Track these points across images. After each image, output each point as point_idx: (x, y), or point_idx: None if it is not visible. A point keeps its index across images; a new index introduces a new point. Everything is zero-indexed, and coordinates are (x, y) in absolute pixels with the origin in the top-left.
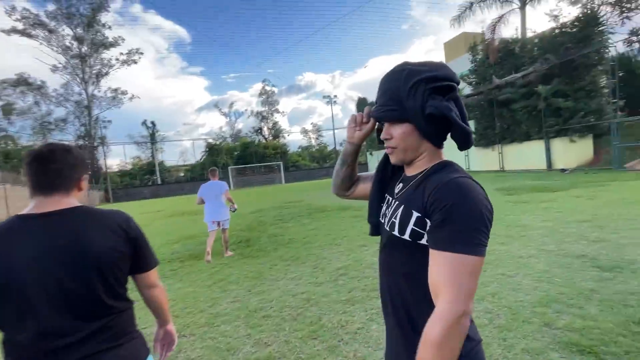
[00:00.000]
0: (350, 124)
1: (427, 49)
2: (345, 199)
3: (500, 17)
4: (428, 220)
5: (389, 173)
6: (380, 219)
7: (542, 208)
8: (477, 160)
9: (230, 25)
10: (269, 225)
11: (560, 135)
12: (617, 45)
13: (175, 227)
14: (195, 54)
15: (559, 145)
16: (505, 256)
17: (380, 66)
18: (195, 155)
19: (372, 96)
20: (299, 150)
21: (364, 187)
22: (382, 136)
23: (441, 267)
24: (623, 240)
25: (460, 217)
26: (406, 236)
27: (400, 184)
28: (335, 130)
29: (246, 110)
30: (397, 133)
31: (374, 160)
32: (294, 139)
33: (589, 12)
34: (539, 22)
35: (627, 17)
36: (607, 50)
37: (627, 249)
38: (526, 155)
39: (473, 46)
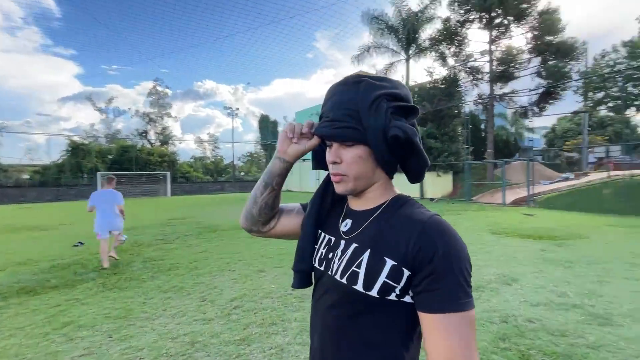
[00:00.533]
0: (287, 134)
1: (327, 80)
2: (260, 236)
3: (391, 64)
4: (406, 270)
5: (327, 205)
6: (315, 264)
7: None
8: None
9: (122, 6)
10: (146, 246)
11: (429, 170)
12: (470, 103)
13: (5, 248)
14: (65, 32)
15: (429, 179)
16: None
17: (284, 87)
18: (52, 154)
19: (274, 115)
20: (191, 160)
21: (289, 222)
22: (330, 159)
23: (452, 333)
24: (480, 262)
25: (459, 266)
26: (373, 292)
27: (348, 221)
28: (235, 144)
29: (129, 109)
30: (349, 157)
31: None
32: (186, 147)
33: (452, 75)
34: (418, 75)
35: (476, 84)
36: (463, 107)
37: (483, 270)
38: (405, 184)
39: None
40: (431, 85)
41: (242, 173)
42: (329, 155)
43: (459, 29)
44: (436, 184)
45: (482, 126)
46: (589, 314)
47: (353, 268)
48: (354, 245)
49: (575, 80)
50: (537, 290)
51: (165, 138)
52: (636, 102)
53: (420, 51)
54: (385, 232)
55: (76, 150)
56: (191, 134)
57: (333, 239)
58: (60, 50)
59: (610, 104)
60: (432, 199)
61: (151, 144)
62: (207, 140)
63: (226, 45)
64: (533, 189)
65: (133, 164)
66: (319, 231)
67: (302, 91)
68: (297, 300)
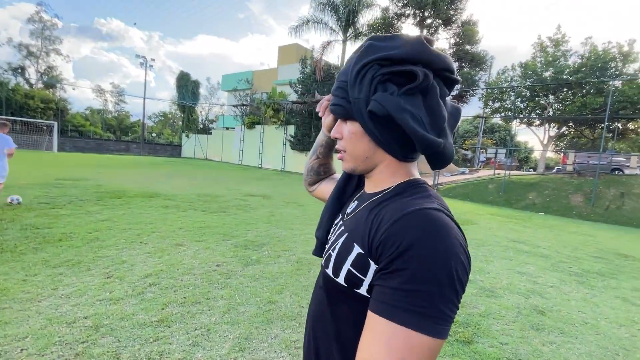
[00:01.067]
0: (318, 108)
1: (257, 47)
2: (311, 195)
3: (328, 43)
4: (372, 263)
5: (355, 181)
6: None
7: None
8: (292, 162)
9: None
10: (24, 210)
11: None
12: None
13: None
14: None
15: None
16: None
17: (208, 44)
18: None
19: (195, 73)
20: (87, 112)
21: (326, 188)
22: (332, 134)
23: (375, 340)
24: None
25: (420, 269)
26: (340, 279)
27: (355, 202)
28: (146, 101)
29: None
30: (346, 133)
31: (190, 145)
32: (80, 96)
33: None
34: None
35: None
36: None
37: None
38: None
39: (304, 59)
40: None
41: (154, 134)
42: (333, 130)
43: (395, 21)
44: None
45: None
46: (479, 288)
47: (329, 251)
48: (342, 228)
49: (482, 89)
50: None
51: (51, 79)
52: (520, 115)
53: (358, 35)
54: (366, 219)
55: None
56: (87, 80)
57: (340, 217)
58: None
59: (502, 114)
60: None
61: (30, 84)
62: (110, 91)
63: None
64: (438, 179)
65: (2, 106)
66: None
67: (228, 53)
68: (222, 277)
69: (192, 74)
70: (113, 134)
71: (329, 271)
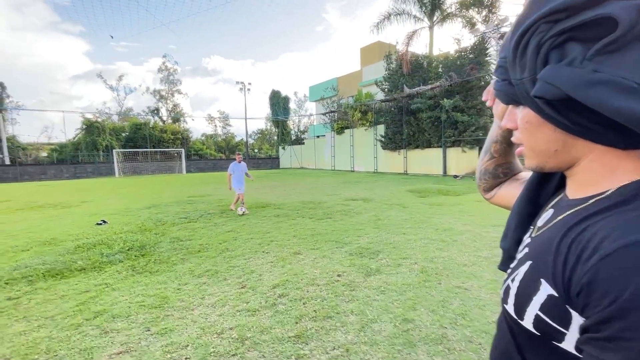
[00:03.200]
0: (485, 96)
1: (338, 54)
2: (489, 202)
3: (414, 32)
4: (574, 313)
5: (556, 180)
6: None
7: (456, 211)
8: (384, 163)
9: None
10: (170, 225)
11: (455, 146)
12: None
13: (27, 225)
14: (72, 8)
15: (454, 154)
16: (451, 265)
17: (292, 61)
18: (67, 132)
19: (284, 90)
20: (202, 138)
21: (507, 194)
22: (503, 124)
23: None
24: None
25: None
26: (527, 323)
27: (550, 211)
28: (248, 120)
29: (140, 86)
30: (519, 121)
31: (287, 156)
32: (195, 126)
33: (481, 42)
34: (444, 43)
35: None
36: (492, 77)
37: None
38: (427, 160)
39: (388, 55)
40: (458, 54)
41: (256, 150)
42: (504, 119)
43: None
44: (461, 160)
45: None
46: None
47: (508, 280)
48: (525, 250)
49: None
50: None
51: (177, 115)
52: None
53: (446, 17)
54: (560, 241)
55: (91, 128)
56: (200, 111)
57: (531, 229)
58: (69, 27)
59: None
60: (455, 176)
61: (163, 121)
62: (217, 117)
63: (231, 22)
64: None
65: (146, 141)
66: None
67: (310, 65)
68: (346, 289)
69: (282, 91)
70: (223, 153)
71: (509, 309)
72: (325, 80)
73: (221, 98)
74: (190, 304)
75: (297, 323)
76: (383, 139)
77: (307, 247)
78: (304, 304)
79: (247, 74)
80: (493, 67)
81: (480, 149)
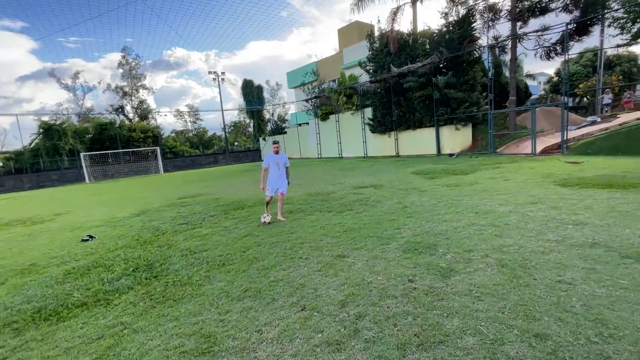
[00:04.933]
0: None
1: (305, 40)
2: None
3: (399, 8)
4: None
5: None
6: None
7: (479, 190)
8: (374, 147)
9: None
10: (172, 234)
11: (448, 124)
12: (488, 47)
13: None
14: (11, 2)
15: (447, 133)
16: (527, 254)
17: (259, 49)
18: (23, 138)
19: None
20: (173, 134)
21: None
22: None
23: None
24: (595, 221)
25: None
26: None
27: None
28: (217, 114)
29: (99, 83)
30: None
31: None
32: (163, 122)
33: (466, 15)
34: (428, 18)
35: (493, 25)
36: (482, 51)
37: (611, 229)
38: (419, 141)
39: (370, 34)
40: (446, 29)
41: (236, 143)
42: None
43: None
44: (455, 138)
45: (505, 72)
46: None
47: None
48: None
49: (615, 10)
50: None
51: (144, 112)
52: None
53: None
54: None
55: (50, 131)
56: (166, 107)
57: None
58: (9, 24)
59: None
60: (451, 155)
61: (129, 119)
62: (187, 112)
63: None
64: (567, 135)
65: (115, 142)
66: None
67: (280, 53)
68: (432, 298)
69: (255, 80)
70: (197, 149)
71: None
72: (304, 65)
73: (188, 92)
74: (247, 341)
75: (404, 357)
76: (372, 122)
77: (349, 247)
78: (394, 325)
79: (213, 65)
80: (481, 40)
81: (473, 125)
